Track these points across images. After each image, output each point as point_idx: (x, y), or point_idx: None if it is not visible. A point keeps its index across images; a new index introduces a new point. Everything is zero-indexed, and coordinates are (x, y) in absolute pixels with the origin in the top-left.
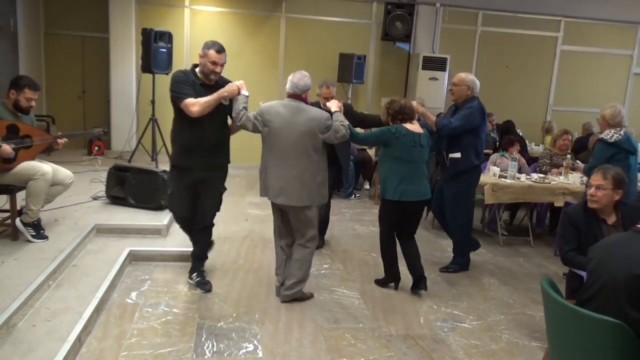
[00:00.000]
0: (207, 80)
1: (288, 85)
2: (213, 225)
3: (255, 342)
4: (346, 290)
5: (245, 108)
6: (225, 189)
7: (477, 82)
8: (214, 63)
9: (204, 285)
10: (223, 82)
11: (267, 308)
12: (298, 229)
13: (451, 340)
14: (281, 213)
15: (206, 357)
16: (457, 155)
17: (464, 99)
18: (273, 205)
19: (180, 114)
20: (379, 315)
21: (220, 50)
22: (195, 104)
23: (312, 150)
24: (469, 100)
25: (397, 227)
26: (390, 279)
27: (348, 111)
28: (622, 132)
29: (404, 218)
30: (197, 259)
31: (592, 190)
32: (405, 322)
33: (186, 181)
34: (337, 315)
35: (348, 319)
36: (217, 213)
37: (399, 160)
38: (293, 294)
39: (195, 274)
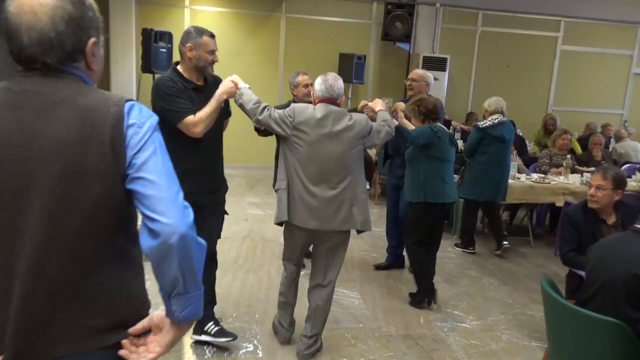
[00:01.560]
0: (198, 79)
1: (320, 88)
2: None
3: (255, 342)
4: (346, 290)
5: (260, 100)
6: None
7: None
8: (212, 52)
9: (227, 334)
10: (211, 78)
11: (267, 308)
12: (322, 265)
13: (451, 340)
14: (304, 244)
15: (206, 357)
16: None
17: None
18: (295, 232)
19: (177, 136)
20: (379, 315)
21: (213, 34)
22: (198, 123)
23: (354, 161)
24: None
25: (427, 233)
26: (426, 294)
27: None
28: (496, 121)
29: (436, 222)
30: (208, 304)
31: (592, 191)
32: (405, 322)
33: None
34: (337, 315)
35: (348, 319)
36: None
37: (440, 160)
38: (318, 347)
39: (211, 324)
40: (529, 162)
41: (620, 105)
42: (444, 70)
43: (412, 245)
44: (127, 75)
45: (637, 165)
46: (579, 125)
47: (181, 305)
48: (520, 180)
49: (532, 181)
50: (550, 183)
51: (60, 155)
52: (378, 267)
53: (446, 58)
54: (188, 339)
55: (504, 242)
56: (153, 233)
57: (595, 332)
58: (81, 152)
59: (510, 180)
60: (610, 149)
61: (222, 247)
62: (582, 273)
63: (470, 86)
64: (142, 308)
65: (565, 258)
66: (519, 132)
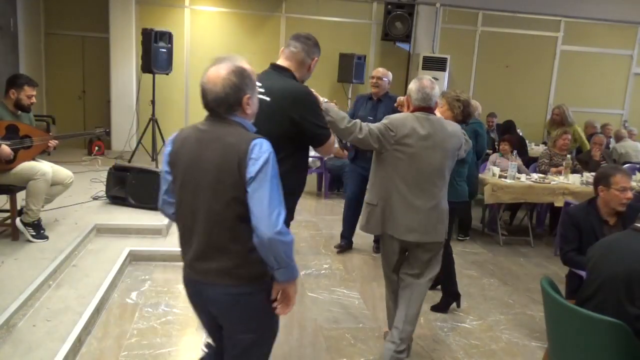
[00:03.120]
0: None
1: (417, 97)
2: None
3: None
4: (346, 290)
5: (346, 115)
6: None
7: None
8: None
9: None
10: None
11: None
12: (421, 270)
13: (451, 340)
14: (400, 255)
15: None
16: None
17: (384, 93)
18: (393, 243)
19: (303, 153)
20: (379, 315)
21: None
22: (334, 141)
23: (448, 171)
24: (390, 97)
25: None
26: (452, 298)
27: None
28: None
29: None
30: None
31: (629, 194)
32: None
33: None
34: (337, 315)
35: (348, 319)
36: None
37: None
38: (406, 349)
39: None
40: (530, 162)
41: (620, 105)
42: (444, 70)
43: (447, 248)
44: (127, 75)
45: (637, 165)
46: (578, 125)
47: (279, 275)
48: (520, 180)
49: (532, 181)
50: (550, 183)
51: (212, 170)
52: (340, 250)
53: (446, 58)
54: (188, 347)
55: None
56: (255, 235)
57: (595, 332)
58: (221, 170)
59: (510, 180)
60: (610, 149)
61: None
62: (583, 273)
63: (470, 86)
64: (261, 267)
65: (565, 258)
66: (519, 132)
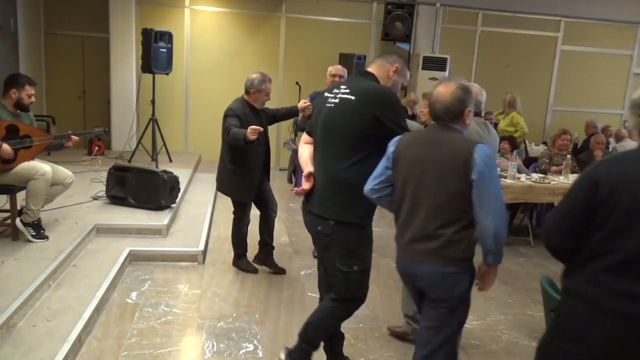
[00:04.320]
0: None
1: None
2: None
3: (255, 342)
4: None
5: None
6: None
7: None
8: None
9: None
10: None
11: (267, 308)
12: None
13: None
14: None
15: (206, 357)
16: None
17: None
18: None
19: (381, 154)
20: (379, 315)
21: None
22: None
23: None
24: None
25: None
26: None
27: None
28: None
29: None
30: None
31: None
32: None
33: None
34: None
35: (348, 319)
36: (217, 212)
37: None
38: None
39: None
40: (530, 162)
41: (620, 105)
42: (444, 70)
43: None
44: (127, 75)
45: None
46: (579, 125)
47: (491, 258)
48: (520, 180)
49: (532, 181)
50: (550, 183)
51: (438, 168)
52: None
53: (446, 58)
54: (188, 347)
55: None
56: (479, 224)
57: None
58: (448, 168)
59: (510, 180)
60: (610, 149)
61: (223, 247)
62: None
63: None
64: (467, 251)
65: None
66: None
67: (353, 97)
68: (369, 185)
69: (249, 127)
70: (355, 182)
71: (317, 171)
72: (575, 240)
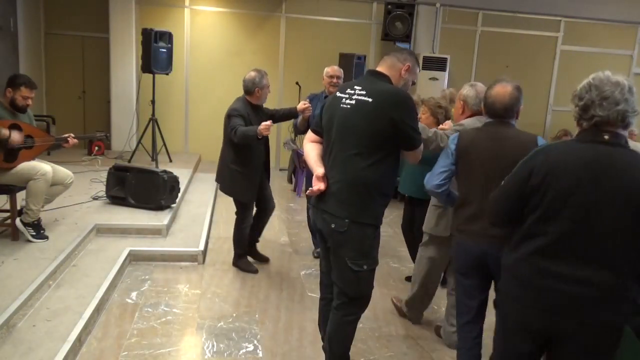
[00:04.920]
0: None
1: (476, 102)
2: None
3: (255, 342)
4: None
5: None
6: None
7: None
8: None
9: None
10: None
11: (267, 308)
12: None
13: (452, 340)
14: None
15: (206, 357)
16: None
17: None
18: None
19: (396, 157)
20: (379, 315)
21: None
22: (422, 150)
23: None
24: None
25: None
26: None
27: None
28: None
29: None
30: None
31: None
32: (405, 322)
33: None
34: None
35: None
36: (217, 212)
37: None
38: None
39: None
40: None
41: None
42: (444, 70)
43: None
44: (127, 75)
45: None
46: None
47: None
48: None
49: None
50: None
51: (511, 159)
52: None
53: (446, 58)
54: (188, 347)
55: None
56: None
57: None
58: (518, 157)
59: None
60: None
61: (223, 247)
62: None
63: None
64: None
65: None
66: None
67: (370, 99)
68: (434, 181)
69: (262, 124)
70: (373, 182)
71: (330, 171)
72: (511, 221)
